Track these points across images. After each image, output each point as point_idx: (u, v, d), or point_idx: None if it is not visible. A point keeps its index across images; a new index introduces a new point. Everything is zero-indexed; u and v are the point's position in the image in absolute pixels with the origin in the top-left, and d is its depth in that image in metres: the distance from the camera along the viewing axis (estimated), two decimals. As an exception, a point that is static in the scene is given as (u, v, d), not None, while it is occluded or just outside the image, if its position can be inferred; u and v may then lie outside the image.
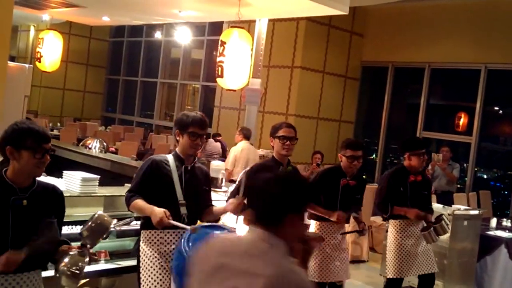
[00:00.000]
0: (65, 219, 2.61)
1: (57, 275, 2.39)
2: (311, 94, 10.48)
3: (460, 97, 10.69)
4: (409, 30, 10.33)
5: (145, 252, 3.10)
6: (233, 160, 7.05)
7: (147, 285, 3.05)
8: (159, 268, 3.06)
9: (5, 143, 2.31)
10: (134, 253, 3.34)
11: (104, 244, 3.49)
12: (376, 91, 11.43)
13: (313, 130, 10.56)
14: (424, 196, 4.63)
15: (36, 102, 15.20)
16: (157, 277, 3.05)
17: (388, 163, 11.30)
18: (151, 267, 3.07)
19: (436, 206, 5.67)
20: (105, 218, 2.70)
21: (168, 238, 3.11)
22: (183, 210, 3.09)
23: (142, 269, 3.09)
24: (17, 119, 5.70)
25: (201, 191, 3.26)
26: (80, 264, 2.40)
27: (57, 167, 4.51)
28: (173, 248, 3.06)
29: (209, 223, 3.11)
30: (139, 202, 3.05)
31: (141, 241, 3.13)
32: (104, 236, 2.73)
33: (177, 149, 3.21)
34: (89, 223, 2.62)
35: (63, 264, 2.37)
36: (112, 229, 3.55)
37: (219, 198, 4.56)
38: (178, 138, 3.17)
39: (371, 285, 6.11)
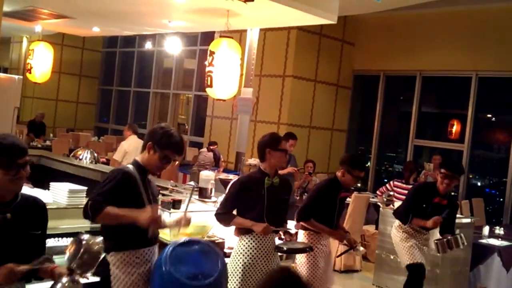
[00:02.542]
0: (52, 231, 2.56)
1: None
2: (303, 103, 10.49)
3: (452, 105, 10.72)
4: (400, 39, 10.38)
5: (119, 277, 2.81)
6: (123, 153, 7.60)
7: None
8: None
9: None
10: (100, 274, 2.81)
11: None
12: (368, 99, 11.46)
13: (305, 139, 10.55)
14: (444, 221, 4.64)
15: (29, 113, 15.15)
16: None
17: (383, 171, 11.30)
18: None
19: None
20: (96, 247, 2.37)
21: (144, 257, 2.90)
22: None
23: None
24: (7, 130, 5.69)
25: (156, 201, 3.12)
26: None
27: (46, 179, 4.48)
28: (149, 268, 2.89)
29: (189, 238, 3.01)
30: (115, 209, 2.72)
31: (112, 265, 2.82)
32: (96, 263, 2.41)
33: (140, 159, 2.96)
34: (79, 254, 2.32)
35: None
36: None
37: (209, 209, 4.52)
38: (148, 150, 2.92)
39: (364, 294, 6.08)
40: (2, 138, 2.31)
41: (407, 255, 4.75)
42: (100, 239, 2.44)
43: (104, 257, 2.81)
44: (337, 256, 4.33)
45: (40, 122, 12.55)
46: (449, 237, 4.49)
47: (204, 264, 2.83)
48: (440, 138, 10.40)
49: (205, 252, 2.89)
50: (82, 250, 2.33)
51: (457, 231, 5.71)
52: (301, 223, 4.15)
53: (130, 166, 2.94)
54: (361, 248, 4.39)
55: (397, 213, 4.87)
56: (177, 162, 8.43)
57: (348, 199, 5.47)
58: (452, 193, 9.18)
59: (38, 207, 2.48)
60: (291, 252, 3.78)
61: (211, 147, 10.26)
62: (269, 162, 3.70)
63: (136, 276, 2.84)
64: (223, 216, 3.67)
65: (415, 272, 4.73)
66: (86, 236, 2.40)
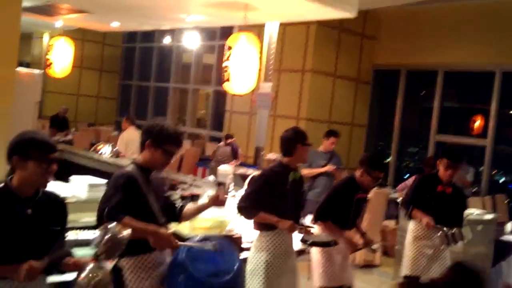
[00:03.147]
0: (72, 225, 2.58)
1: None
2: (322, 97, 10.42)
3: (475, 100, 10.56)
4: (422, 33, 10.22)
5: (133, 282, 2.77)
6: (125, 145, 8.20)
7: None
8: None
9: (12, 152, 2.32)
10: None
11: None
12: (388, 94, 11.34)
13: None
14: (451, 210, 4.48)
15: (51, 108, 15.33)
16: None
17: (404, 167, 11.20)
18: None
19: (471, 211, 5.55)
20: (121, 234, 2.44)
21: (156, 260, 2.86)
22: (161, 222, 2.89)
23: None
24: (28, 125, 5.76)
25: (165, 198, 3.08)
26: (100, 275, 2.33)
27: (68, 172, 4.53)
28: (162, 269, 2.85)
29: (204, 236, 2.99)
30: (132, 221, 2.67)
31: (126, 270, 2.78)
32: (122, 248, 2.46)
33: (141, 159, 2.90)
34: (103, 239, 2.39)
35: (82, 277, 2.32)
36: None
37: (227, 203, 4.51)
38: (148, 149, 2.87)
39: (383, 290, 6.03)
40: (34, 133, 2.38)
41: (409, 264, 4.54)
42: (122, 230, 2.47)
43: (116, 263, 2.76)
44: (350, 253, 4.25)
45: (63, 117, 12.70)
46: (454, 230, 4.35)
47: (222, 261, 2.83)
48: (462, 133, 10.25)
49: (221, 249, 2.87)
50: (107, 236, 2.39)
51: (479, 227, 5.63)
52: (318, 222, 4.11)
53: (131, 168, 2.87)
54: (375, 246, 4.33)
55: (401, 204, 4.79)
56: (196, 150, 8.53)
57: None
58: (474, 189, 9.10)
59: (58, 203, 2.51)
60: (315, 245, 3.74)
61: (228, 141, 10.25)
62: (296, 157, 3.66)
63: (150, 280, 2.81)
64: (247, 209, 3.63)
65: (410, 284, 4.58)
66: (112, 224, 2.45)
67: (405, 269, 4.56)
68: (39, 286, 2.38)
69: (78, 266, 2.37)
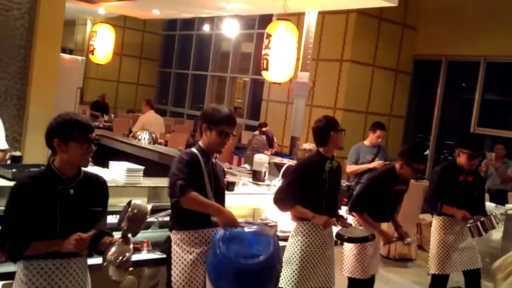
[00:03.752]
0: (110, 209, 2.64)
1: (104, 264, 2.40)
2: (360, 88, 10.31)
3: (518, 92, 10.25)
4: (463, 23, 9.96)
5: (178, 254, 2.95)
6: (141, 125, 8.81)
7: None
8: (192, 271, 2.93)
9: (52, 135, 2.38)
10: (165, 251, 3.15)
11: (147, 235, 3.53)
12: (428, 85, 11.12)
13: (362, 125, 10.38)
14: (475, 198, 4.44)
15: (92, 94, 15.67)
16: (191, 281, 2.92)
17: (442, 160, 11.00)
18: (185, 270, 2.93)
19: (488, 205, 5.45)
20: (141, 206, 2.60)
21: (202, 238, 2.98)
22: None
23: (174, 271, 2.95)
24: (70, 109, 5.90)
25: (222, 187, 3.18)
26: (126, 254, 2.42)
27: (106, 158, 4.63)
28: (207, 249, 2.94)
29: (245, 220, 3.08)
30: (200, 196, 2.87)
31: (173, 243, 2.98)
32: (144, 223, 2.64)
33: (201, 143, 3.05)
34: (126, 213, 2.54)
35: (109, 254, 2.39)
36: (154, 219, 3.62)
37: (262, 192, 4.54)
38: (205, 132, 3.03)
39: (418, 284, 5.96)
40: (74, 115, 2.44)
41: (437, 262, 4.43)
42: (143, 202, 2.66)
43: (169, 235, 3.01)
44: (384, 245, 4.22)
45: (103, 103, 12.98)
46: (482, 219, 4.26)
47: (256, 244, 2.85)
48: (503, 126, 9.97)
49: (258, 234, 2.92)
50: (129, 210, 2.52)
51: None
52: (353, 213, 4.09)
53: (195, 149, 3.04)
54: (408, 239, 4.28)
55: (427, 202, 4.67)
56: (233, 138, 8.63)
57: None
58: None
59: (100, 184, 2.57)
60: (352, 241, 3.72)
61: (263, 129, 10.27)
62: (331, 145, 3.65)
63: (195, 255, 2.91)
64: (283, 201, 3.62)
65: (439, 282, 4.47)
66: (136, 201, 2.60)
67: (434, 268, 4.44)
68: (81, 266, 2.45)
69: (110, 244, 2.45)
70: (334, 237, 3.65)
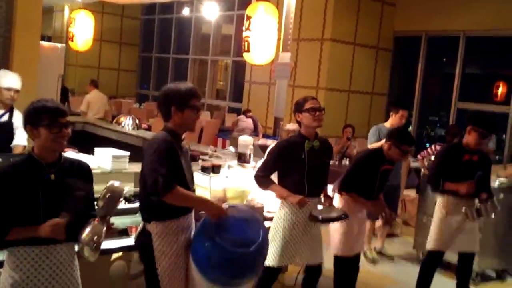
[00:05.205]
0: (97, 195, 2.63)
1: (80, 245, 2.42)
2: (342, 66, 10.34)
3: (498, 66, 10.37)
4: (442, -3, 10.01)
5: (161, 246, 2.82)
6: (87, 104, 9.51)
7: (168, 282, 2.83)
8: (176, 260, 2.86)
9: (26, 122, 2.43)
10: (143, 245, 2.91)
11: (135, 219, 3.57)
12: (409, 61, 11.20)
13: (344, 104, 10.45)
14: (480, 177, 4.39)
15: (73, 82, 15.51)
16: (176, 269, 2.86)
17: (425, 135, 11.13)
18: (171, 260, 2.84)
19: None
20: (116, 186, 2.57)
21: (183, 226, 2.88)
22: (192, 189, 2.96)
23: (160, 264, 2.82)
24: (52, 97, 5.88)
25: (192, 172, 3.08)
26: (100, 234, 2.43)
27: (91, 144, 4.63)
28: (189, 235, 2.89)
29: (230, 204, 3.00)
30: (184, 192, 2.76)
31: (154, 234, 2.81)
32: (118, 203, 2.64)
33: (171, 126, 2.89)
34: (102, 193, 2.53)
35: (84, 234, 2.40)
36: (126, 195, 3.62)
37: (248, 173, 4.59)
38: (175, 114, 2.86)
39: (404, 259, 6.09)
40: (45, 101, 2.44)
41: (435, 239, 4.47)
42: (123, 185, 2.62)
43: (145, 226, 2.86)
44: (373, 220, 4.29)
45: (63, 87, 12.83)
46: (478, 205, 4.33)
47: (247, 230, 2.85)
48: (484, 100, 10.11)
49: (246, 219, 2.91)
50: (105, 191, 2.51)
51: (501, 196, 5.59)
52: (342, 192, 4.15)
53: (165, 134, 2.88)
54: (395, 229, 4.33)
55: (428, 179, 4.72)
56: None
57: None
58: (497, 157, 9.01)
59: (83, 169, 2.58)
60: (326, 221, 3.77)
61: (248, 114, 10.32)
62: (304, 126, 3.70)
63: (178, 244, 2.86)
64: (261, 179, 3.72)
65: (434, 258, 4.52)
66: (113, 182, 2.58)
67: (432, 244, 4.49)
68: (67, 251, 2.47)
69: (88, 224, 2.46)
70: (308, 218, 3.64)
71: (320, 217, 3.64)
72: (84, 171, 2.59)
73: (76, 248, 2.48)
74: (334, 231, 4.13)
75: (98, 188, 2.62)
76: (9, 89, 4.24)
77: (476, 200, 4.39)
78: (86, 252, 2.42)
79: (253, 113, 10.59)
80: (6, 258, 2.42)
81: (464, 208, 4.34)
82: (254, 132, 9.95)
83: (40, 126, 2.38)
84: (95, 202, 2.56)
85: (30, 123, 2.40)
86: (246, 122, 10.19)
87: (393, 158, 4.14)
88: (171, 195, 2.69)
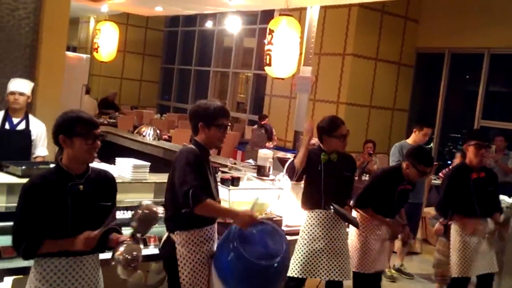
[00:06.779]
0: (118, 205, 2.66)
1: (113, 263, 2.43)
2: (363, 81, 10.31)
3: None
4: (466, 14, 9.93)
5: (185, 255, 2.88)
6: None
7: None
8: (200, 269, 2.91)
9: (58, 132, 2.42)
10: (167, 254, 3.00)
11: (154, 230, 3.57)
12: (431, 78, 11.12)
13: (365, 119, 10.40)
14: (490, 193, 4.41)
15: (96, 92, 15.73)
16: (198, 279, 2.90)
17: (446, 152, 11.00)
18: (194, 270, 2.89)
19: (502, 198, 5.40)
20: (153, 209, 2.60)
21: (207, 235, 2.95)
22: (218, 201, 3.04)
23: (183, 273, 2.87)
24: (76, 107, 5.98)
25: (217, 184, 3.16)
26: (134, 253, 2.43)
27: (112, 154, 4.67)
28: (211, 245, 2.95)
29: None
30: (215, 204, 2.86)
31: (177, 244, 2.88)
32: (154, 223, 2.65)
33: (199, 140, 2.97)
34: (137, 214, 2.56)
35: (118, 253, 2.41)
36: (161, 215, 3.66)
37: (267, 187, 4.58)
38: (202, 130, 2.94)
39: (423, 277, 6.00)
40: (79, 112, 2.47)
41: (459, 265, 4.35)
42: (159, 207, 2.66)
43: (169, 236, 2.93)
44: (389, 239, 4.25)
45: (112, 102, 13.00)
46: (495, 228, 4.35)
47: (270, 244, 2.87)
48: (508, 118, 9.97)
49: (269, 232, 2.93)
50: (140, 211, 2.54)
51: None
52: (358, 210, 4.12)
53: (193, 146, 2.96)
54: (409, 243, 4.30)
55: (436, 207, 4.58)
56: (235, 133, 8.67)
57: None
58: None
59: (108, 179, 2.61)
60: (338, 214, 3.69)
61: (262, 122, 10.29)
62: (325, 146, 3.82)
63: (201, 254, 2.90)
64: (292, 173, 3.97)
65: (458, 284, 4.40)
66: (147, 201, 2.64)
67: (454, 271, 4.38)
68: (93, 263, 2.48)
69: (118, 242, 2.48)
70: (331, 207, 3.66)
71: (335, 206, 3.63)
72: (109, 181, 2.61)
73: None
74: (352, 247, 4.10)
75: (119, 198, 2.64)
76: (12, 93, 4.26)
77: (489, 220, 4.35)
78: (119, 271, 2.43)
79: (272, 125, 10.55)
80: (32, 268, 2.43)
81: (487, 235, 4.31)
82: (269, 141, 9.92)
83: (75, 136, 2.39)
84: (129, 220, 2.59)
85: (63, 132, 2.40)
86: (260, 134, 10.17)
87: (411, 178, 4.06)
88: (201, 206, 2.75)
